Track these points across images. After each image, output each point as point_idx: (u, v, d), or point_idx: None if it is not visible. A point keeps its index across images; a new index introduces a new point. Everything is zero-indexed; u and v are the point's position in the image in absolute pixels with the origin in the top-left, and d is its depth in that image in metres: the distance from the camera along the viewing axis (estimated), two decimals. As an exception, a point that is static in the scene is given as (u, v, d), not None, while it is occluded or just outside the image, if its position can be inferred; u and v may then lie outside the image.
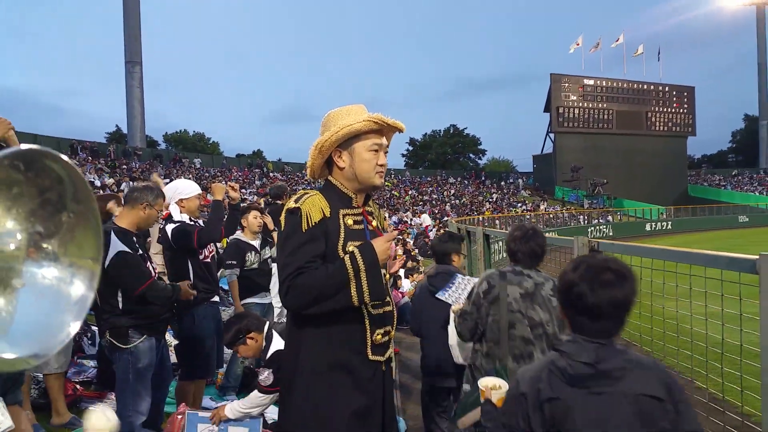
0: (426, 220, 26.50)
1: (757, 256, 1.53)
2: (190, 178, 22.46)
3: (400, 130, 2.07)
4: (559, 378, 1.48)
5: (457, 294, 3.45)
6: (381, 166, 2.05)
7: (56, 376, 4.01)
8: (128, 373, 3.32)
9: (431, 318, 3.70)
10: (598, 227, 32.24)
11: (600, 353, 1.47)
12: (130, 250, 3.31)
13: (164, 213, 4.79)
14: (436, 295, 3.56)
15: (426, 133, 68.01)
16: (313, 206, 1.95)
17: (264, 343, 3.22)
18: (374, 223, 2.13)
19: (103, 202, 4.38)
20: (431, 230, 23.55)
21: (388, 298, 2.09)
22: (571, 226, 31.63)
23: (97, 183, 20.05)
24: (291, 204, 1.96)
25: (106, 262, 3.22)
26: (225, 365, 5.07)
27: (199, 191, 4.17)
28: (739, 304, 1.79)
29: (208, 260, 4.13)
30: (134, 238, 3.44)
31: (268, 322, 3.32)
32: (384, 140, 2.07)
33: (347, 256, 1.90)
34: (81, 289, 1.27)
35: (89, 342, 5.44)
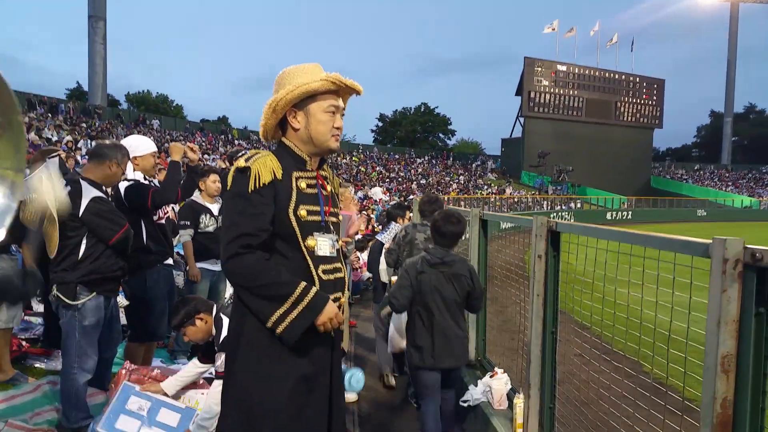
0: (377, 193, 27.80)
1: (710, 240, 1.55)
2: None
3: (358, 92, 2.00)
4: (425, 263, 3.30)
5: (389, 236, 5.00)
6: (337, 129, 1.98)
7: (2, 332, 3.89)
8: (75, 330, 3.27)
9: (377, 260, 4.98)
10: (560, 213, 32.84)
11: (444, 254, 3.32)
12: (104, 195, 3.32)
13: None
14: (377, 236, 5.47)
15: (396, 110, 67.70)
16: (264, 167, 1.87)
17: (213, 328, 3.18)
18: (329, 188, 2.07)
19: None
20: (384, 202, 24.42)
21: (339, 265, 2.05)
22: (534, 211, 32.12)
23: (55, 139, 19.32)
24: (241, 163, 1.87)
25: (81, 209, 3.20)
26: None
27: (155, 149, 4.03)
28: (690, 287, 1.81)
29: (162, 221, 4.02)
30: (105, 192, 3.42)
31: (215, 306, 3.28)
32: (341, 102, 1.99)
33: (303, 283, 1.85)
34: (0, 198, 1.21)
35: (38, 299, 5.27)
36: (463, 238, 3.70)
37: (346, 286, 2.09)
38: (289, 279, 1.84)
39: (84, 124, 28.19)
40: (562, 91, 46.85)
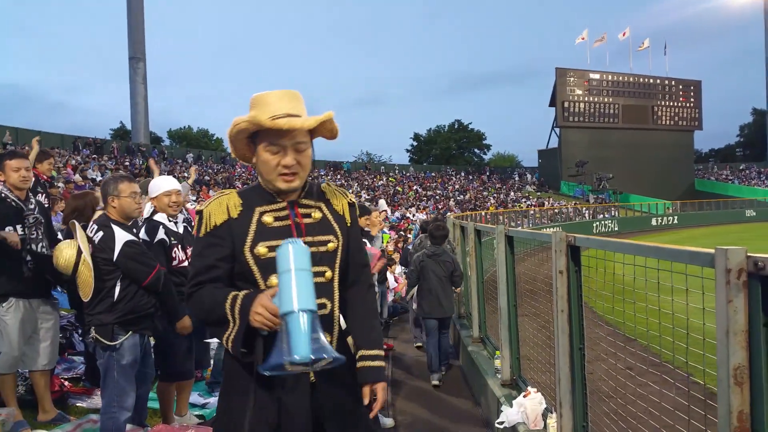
0: (382, 205, 28.44)
1: (713, 250, 1.51)
2: (186, 175, 22.45)
3: (296, 129, 1.75)
4: (425, 256, 5.86)
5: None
6: (285, 167, 1.77)
7: (42, 373, 4.00)
8: (113, 370, 3.34)
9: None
10: (603, 222, 32.11)
11: (436, 249, 5.87)
12: (136, 239, 3.42)
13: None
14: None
15: (430, 128, 68.05)
16: (218, 207, 1.82)
17: None
18: (316, 214, 1.89)
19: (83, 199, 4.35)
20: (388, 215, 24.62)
21: (321, 300, 1.80)
22: (576, 221, 31.48)
23: (99, 179, 20.10)
24: (198, 207, 1.89)
25: (115, 253, 3.30)
26: (212, 362, 5.08)
27: (168, 188, 3.97)
28: (702, 298, 1.76)
29: (185, 264, 4.03)
30: (133, 230, 3.52)
31: None
32: (290, 139, 1.76)
33: (232, 292, 1.72)
34: None
35: (80, 339, 5.46)
36: (450, 238, 7.16)
37: (334, 323, 1.87)
38: (224, 295, 1.72)
39: (128, 163, 29.25)
40: (596, 99, 46.19)
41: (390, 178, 42.31)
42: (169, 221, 3.98)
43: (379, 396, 1.89)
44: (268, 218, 1.82)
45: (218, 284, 1.79)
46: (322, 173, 39.93)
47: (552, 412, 3.25)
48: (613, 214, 36.75)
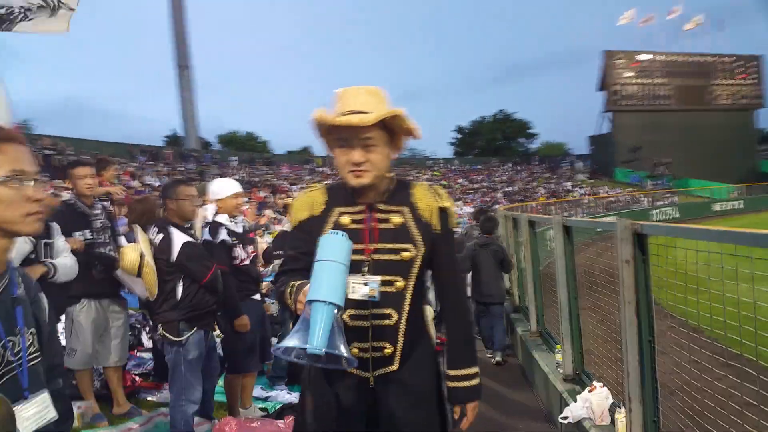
0: None
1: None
2: (236, 177, 23.09)
3: (355, 125, 1.70)
4: (477, 245, 6.35)
5: None
6: (354, 164, 1.73)
7: (114, 369, 4.22)
8: (180, 365, 3.48)
9: None
10: (662, 209, 30.97)
11: (487, 239, 6.37)
12: (193, 240, 3.53)
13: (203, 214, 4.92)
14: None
15: (474, 120, 67.01)
16: (303, 203, 1.87)
17: None
18: (396, 219, 1.81)
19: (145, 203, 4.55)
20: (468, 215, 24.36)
21: (385, 311, 1.78)
22: (633, 209, 30.44)
23: (157, 184, 20.81)
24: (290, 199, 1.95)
25: (174, 253, 3.43)
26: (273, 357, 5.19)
27: (235, 191, 4.13)
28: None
29: (246, 263, 4.16)
30: (190, 231, 3.65)
31: None
32: (357, 135, 1.71)
33: (290, 285, 1.70)
34: None
35: (148, 336, 5.69)
36: (499, 231, 7.66)
37: (399, 335, 1.80)
38: (289, 284, 1.71)
39: (181, 168, 30.16)
40: (647, 81, 44.61)
41: (434, 173, 42.06)
42: (230, 221, 4.10)
43: (469, 415, 1.87)
44: (345, 219, 1.81)
45: (298, 274, 1.76)
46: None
47: (620, 407, 3.15)
48: (673, 200, 35.32)
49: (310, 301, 1.46)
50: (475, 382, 1.89)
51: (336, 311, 1.45)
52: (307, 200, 1.86)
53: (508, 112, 65.29)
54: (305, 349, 1.40)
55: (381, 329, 1.79)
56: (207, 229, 4.00)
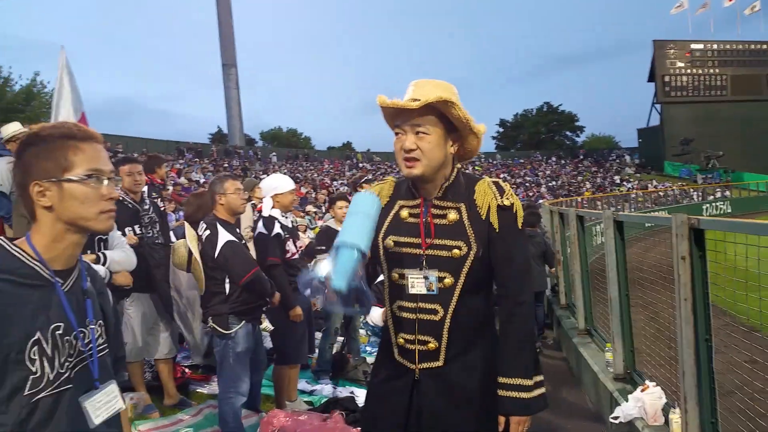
0: None
1: None
2: (284, 173, 23.38)
3: (403, 108, 1.71)
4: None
5: None
6: (406, 152, 1.72)
7: (165, 361, 4.31)
8: (229, 357, 3.53)
9: None
10: (714, 204, 29.80)
11: (531, 231, 6.39)
12: (236, 239, 3.55)
13: (258, 206, 5.01)
14: None
15: (517, 113, 65.86)
16: (375, 192, 1.90)
17: None
18: (452, 215, 1.79)
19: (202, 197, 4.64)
20: None
21: (433, 306, 1.78)
22: (684, 203, 29.39)
23: (202, 181, 21.29)
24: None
25: (216, 251, 3.48)
26: (317, 351, 5.25)
27: (293, 187, 4.26)
28: None
29: (296, 256, 4.24)
30: (236, 229, 3.67)
31: None
32: (409, 122, 1.72)
33: None
34: None
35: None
36: (542, 223, 7.92)
37: (443, 331, 1.78)
38: None
39: (226, 165, 30.79)
40: (700, 71, 42.87)
41: (476, 167, 41.64)
42: (282, 216, 4.16)
43: (512, 429, 1.76)
44: (404, 213, 1.84)
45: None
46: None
47: (674, 408, 3.05)
48: (725, 194, 33.94)
49: (338, 245, 1.56)
50: (527, 395, 1.76)
51: (359, 255, 1.54)
52: (376, 190, 1.91)
53: (553, 104, 63.94)
54: (324, 283, 1.50)
55: (426, 323, 1.79)
56: (261, 223, 4.09)
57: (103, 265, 3.39)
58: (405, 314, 1.82)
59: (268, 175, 24.69)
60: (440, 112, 1.72)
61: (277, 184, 4.25)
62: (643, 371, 3.97)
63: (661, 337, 4.28)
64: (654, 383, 3.40)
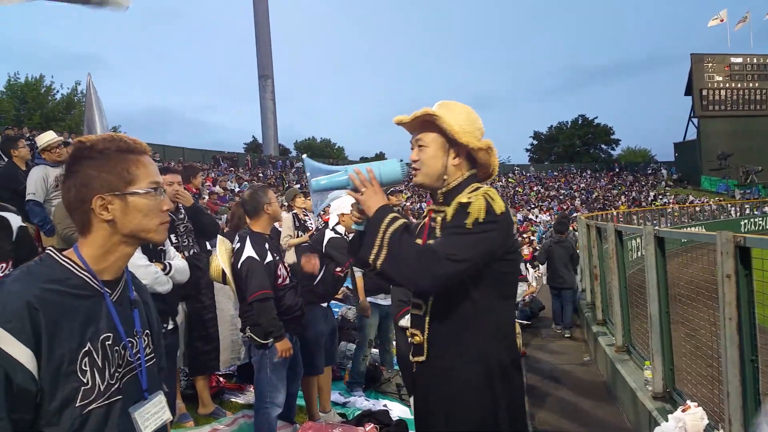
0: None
1: None
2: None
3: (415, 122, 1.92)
4: (552, 242, 8.75)
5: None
6: (411, 163, 1.96)
7: (201, 369, 4.35)
8: (266, 368, 3.55)
9: None
10: (752, 220, 28.93)
11: (559, 238, 8.60)
12: (257, 257, 3.50)
13: (325, 218, 5.16)
14: None
15: (552, 126, 65.12)
16: None
17: None
18: (439, 218, 1.92)
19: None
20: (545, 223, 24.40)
21: (413, 299, 1.96)
22: (721, 219, 28.61)
23: (237, 189, 21.64)
24: None
25: (239, 264, 3.51)
26: (350, 363, 5.27)
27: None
28: None
29: (341, 274, 4.35)
30: (267, 243, 3.63)
31: None
32: (414, 136, 1.94)
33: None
34: None
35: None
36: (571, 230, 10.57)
37: (425, 325, 1.90)
38: None
39: (261, 174, 31.24)
40: (739, 85, 41.85)
41: (509, 179, 41.29)
42: (345, 236, 4.37)
43: None
44: (426, 216, 2.03)
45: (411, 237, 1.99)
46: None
47: (718, 430, 2.97)
48: (764, 210, 32.91)
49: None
50: None
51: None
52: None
53: (588, 117, 63.02)
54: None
55: (416, 317, 1.96)
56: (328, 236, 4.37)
57: (167, 274, 3.43)
58: (413, 309, 1.99)
59: (301, 184, 25.02)
60: (441, 127, 1.86)
61: (343, 204, 4.29)
62: (683, 390, 3.88)
63: (701, 355, 4.18)
64: (695, 403, 3.32)
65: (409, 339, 1.99)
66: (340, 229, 4.40)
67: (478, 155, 1.91)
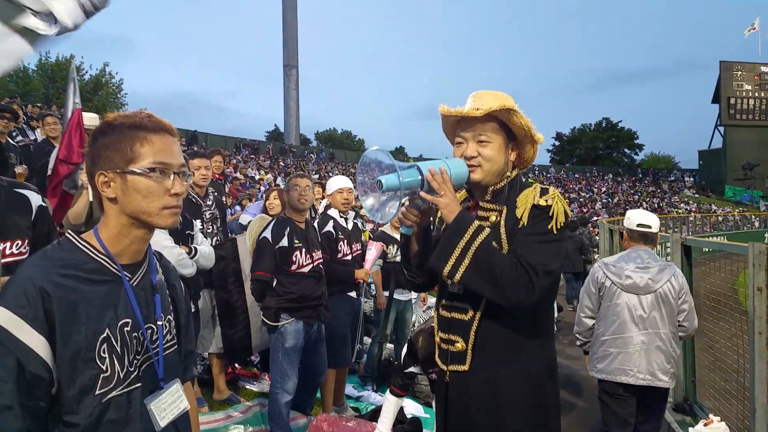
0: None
1: None
2: (338, 173, 23.73)
3: (466, 115, 1.76)
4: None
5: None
6: (468, 158, 1.78)
7: (217, 355, 4.36)
8: (278, 351, 3.59)
9: None
10: (777, 232, 28.34)
11: (571, 233, 9.80)
12: (270, 239, 3.60)
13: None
14: None
15: (575, 127, 64.26)
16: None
17: None
18: (493, 218, 1.80)
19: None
20: None
21: (452, 302, 1.83)
22: (743, 230, 28.08)
23: (257, 177, 21.74)
24: None
25: (256, 242, 3.68)
26: (365, 356, 5.26)
27: (340, 186, 4.28)
28: None
29: (347, 258, 4.24)
30: (289, 227, 3.67)
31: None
32: (471, 131, 1.78)
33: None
34: None
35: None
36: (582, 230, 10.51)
37: (470, 331, 1.79)
38: None
39: (281, 163, 31.34)
40: (768, 95, 40.98)
41: (529, 179, 40.78)
42: (340, 217, 4.20)
43: None
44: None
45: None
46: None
47: (740, 445, 2.90)
48: (789, 222, 32.21)
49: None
50: None
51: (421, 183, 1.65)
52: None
53: (613, 120, 62.14)
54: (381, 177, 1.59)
55: (457, 322, 1.81)
56: (317, 220, 4.24)
57: (193, 258, 3.44)
58: (444, 312, 1.87)
59: (320, 174, 25.04)
60: (501, 121, 1.77)
61: (328, 185, 4.36)
62: (703, 403, 3.80)
63: (722, 366, 4.09)
64: (718, 418, 3.25)
65: (443, 345, 1.85)
66: (333, 212, 4.26)
67: (528, 151, 1.85)
